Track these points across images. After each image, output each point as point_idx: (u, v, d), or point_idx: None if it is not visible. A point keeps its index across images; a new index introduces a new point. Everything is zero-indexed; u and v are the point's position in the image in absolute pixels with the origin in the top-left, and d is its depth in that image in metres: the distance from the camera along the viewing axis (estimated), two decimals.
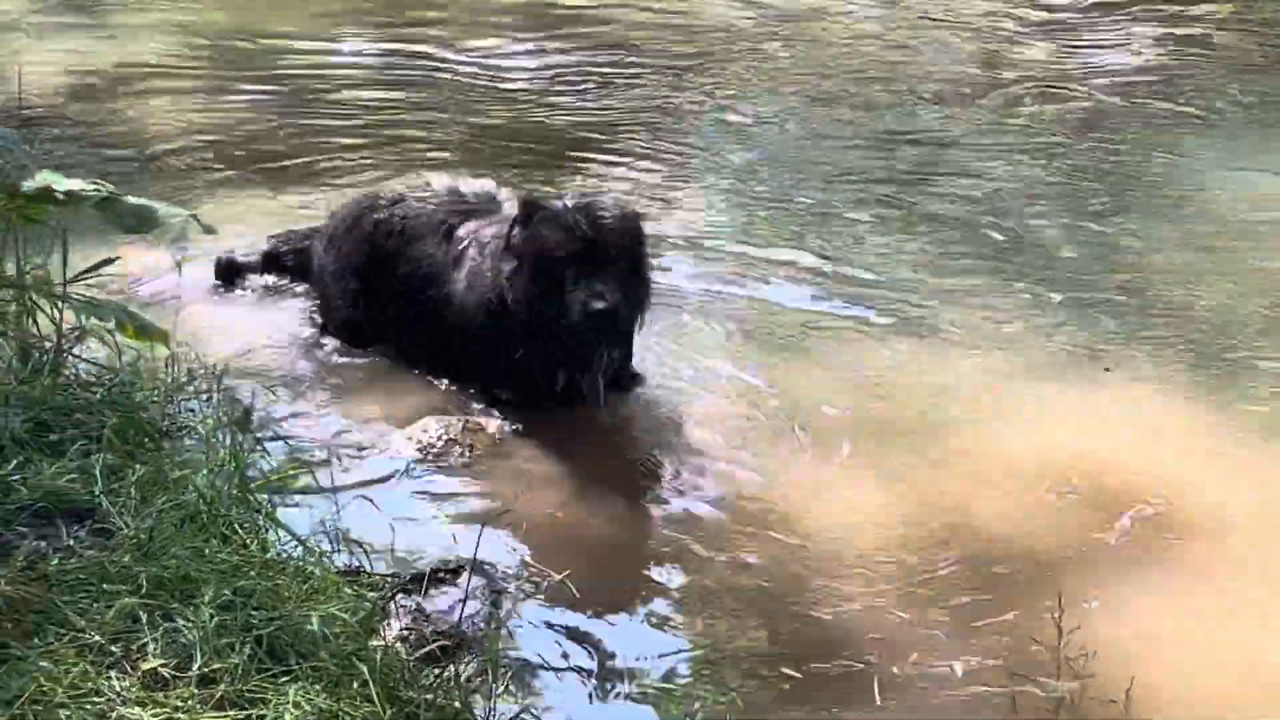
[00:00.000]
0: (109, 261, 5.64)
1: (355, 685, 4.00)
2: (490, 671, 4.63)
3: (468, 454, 6.03)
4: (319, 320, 6.94)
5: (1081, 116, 9.74)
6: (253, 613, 4.06)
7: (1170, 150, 9.13)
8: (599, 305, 6.06)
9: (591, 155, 9.01)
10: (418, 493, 5.82)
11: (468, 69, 10.28)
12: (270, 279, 7.25)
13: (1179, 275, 7.57)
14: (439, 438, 6.05)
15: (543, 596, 5.14)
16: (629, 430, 6.29)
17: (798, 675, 4.92)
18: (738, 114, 9.70)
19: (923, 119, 9.65)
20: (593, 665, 4.94)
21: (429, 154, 8.82)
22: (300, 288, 7.16)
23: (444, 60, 10.40)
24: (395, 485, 5.82)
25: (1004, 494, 5.83)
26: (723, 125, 9.51)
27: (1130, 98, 10.03)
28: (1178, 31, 11.37)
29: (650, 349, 6.72)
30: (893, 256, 7.77)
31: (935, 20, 11.52)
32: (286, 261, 7.28)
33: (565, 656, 4.93)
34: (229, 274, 7.26)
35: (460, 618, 4.67)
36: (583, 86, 10.11)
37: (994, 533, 5.62)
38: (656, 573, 5.45)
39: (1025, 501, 5.79)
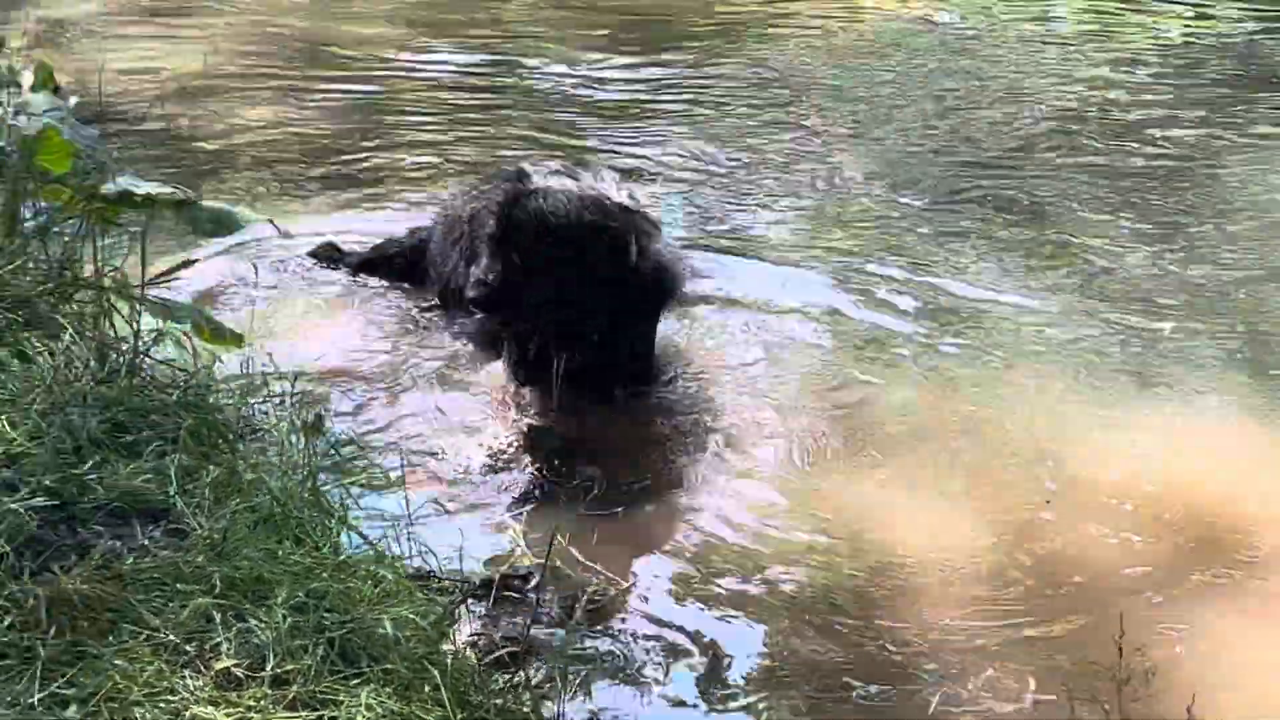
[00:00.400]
0: (187, 264, 5.70)
1: (426, 689, 4.00)
2: (559, 678, 4.64)
3: (538, 460, 6.04)
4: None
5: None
6: (325, 615, 4.07)
7: None
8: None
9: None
10: (487, 498, 5.84)
11: (552, 79, 10.23)
12: (357, 278, 7.30)
13: None
14: (509, 444, 6.06)
15: (611, 604, 5.14)
16: (701, 439, 6.27)
17: (861, 688, 4.91)
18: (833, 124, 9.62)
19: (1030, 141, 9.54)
20: (660, 673, 4.94)
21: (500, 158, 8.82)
22: (379, 287, 7.20)
23: (530, 69, 10.35)
24: (465, 490, 5.84)
25: (1074, 513, 5.79)
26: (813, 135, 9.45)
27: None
28: None
29: (729, 355, 6.73)
30: (976, 273, 7.69)
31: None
32: (397, 262, 7.36)
33: (633, 664, 4.93)
34: (329, 257, 7.33)
35: (529, 624, 4.67)
36: (675, 100, 10.06)
37: (1062, 552, 5.59)
38: (723, 583, 5.44)
39: (1094, 521, 5.75)
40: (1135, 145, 9.41)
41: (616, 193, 6.33)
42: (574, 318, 6.20)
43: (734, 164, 8.95)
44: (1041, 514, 5.80)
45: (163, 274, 5.61)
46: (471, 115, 9.49)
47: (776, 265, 7.73)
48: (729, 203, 8.46)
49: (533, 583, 5.31)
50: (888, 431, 6.31)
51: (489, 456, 6.01)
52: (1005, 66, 10.74)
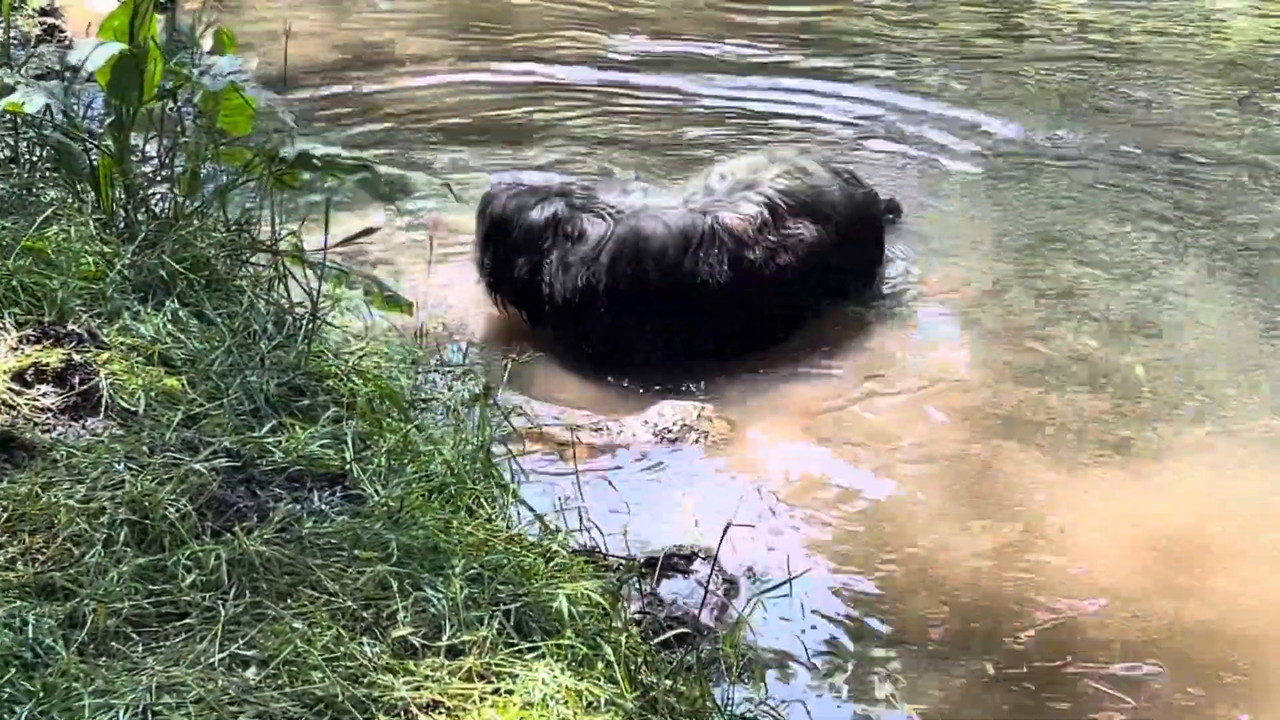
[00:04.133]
0: (369, 232, 5.72)
1: (599, 666, 3.98)
2: (726, 661, 4.60)
3: (703, 440, 6.01)
4: None
5: None
6: (500, 587, 4.06)
7: None
8: None
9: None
10: (653, 477, 5.82)
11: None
12: None
13: None
14: (675, 423, 6.03)
15: (778, 589, 5.07)
16: (873, 426, 6.21)
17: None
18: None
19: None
20: (826, 660, 4.89)
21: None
22: None
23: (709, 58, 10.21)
24: (631, 467, 5.82)
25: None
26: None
27: None
28: None
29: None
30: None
31: None
32: None
33: (800, 650, 4.89)
34: None
35: (700, 606, 4.63)
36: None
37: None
38: (888, 569, 5.39)
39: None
40: None
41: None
42: None
43: None
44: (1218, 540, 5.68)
45: (345, 240, 5.64)
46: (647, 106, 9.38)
47: None
48: None
49: (696, 563, 5.28)
50: (1065, 425, 6.25)
51: (655, 434, 5.97)
52: None
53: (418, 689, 3.66)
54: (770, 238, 6.65)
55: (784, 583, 4.84)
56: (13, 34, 8.21)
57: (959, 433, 6.16)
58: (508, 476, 4.98)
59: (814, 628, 5.03)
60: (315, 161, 5.60)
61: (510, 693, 3.73)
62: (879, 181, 7.74)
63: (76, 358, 4.64)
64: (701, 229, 6.55)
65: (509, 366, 5.41)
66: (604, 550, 4.92)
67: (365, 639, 3.79)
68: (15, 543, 3.90)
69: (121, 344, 4.80)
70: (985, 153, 8.47)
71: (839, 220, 6.92)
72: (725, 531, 4.61)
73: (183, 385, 4.70)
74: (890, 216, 7.56)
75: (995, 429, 6.18)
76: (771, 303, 6.68)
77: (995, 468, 5.92)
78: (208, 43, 5.85)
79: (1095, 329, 6.88)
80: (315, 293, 5.20)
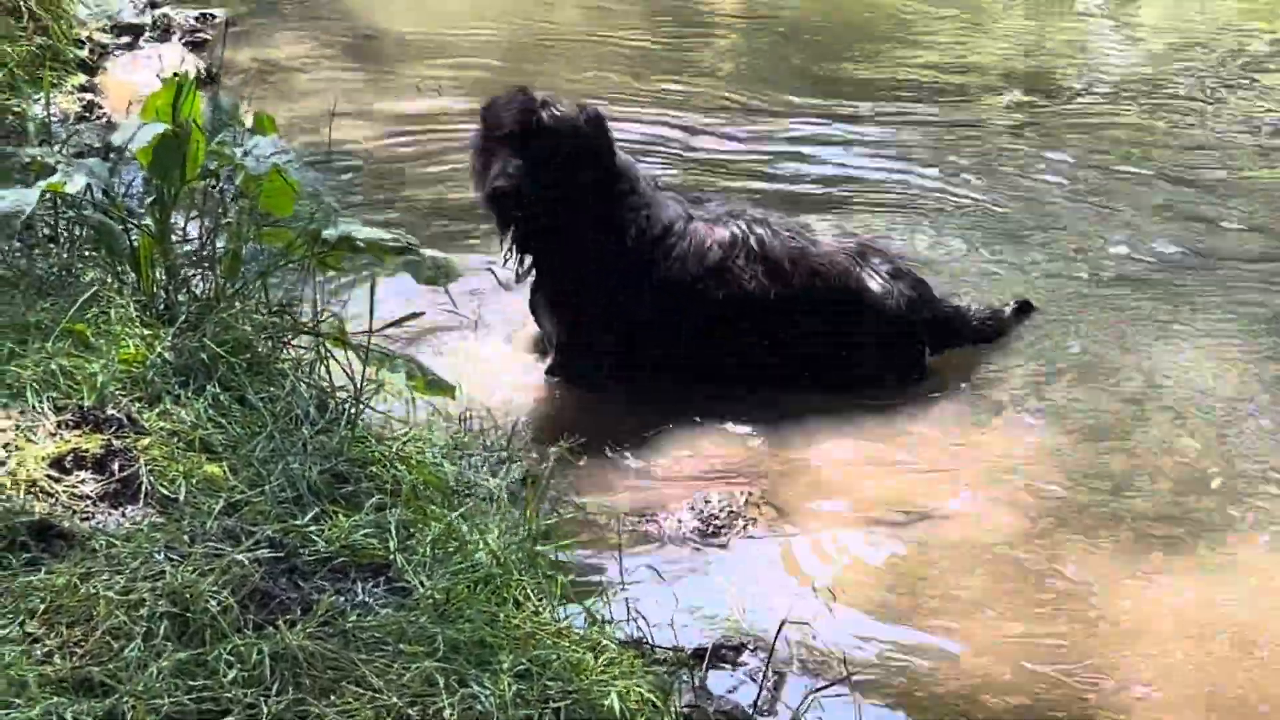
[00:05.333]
0: (413, 316, 5.64)
1: None
2: None
3: (750, 528, 5.90)
4: None
5: None
6: (549, 683, 3.95)
7: None
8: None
9: None
10: (700, 565, 5.70)
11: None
12: None
13: None
14: (722, 509, 5.92)
15: (830, 682, 4.95)
16: (930, 514, 6.08)
17: None
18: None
19: None
20: None
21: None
22: None
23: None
24: (678, 555, 5.71)
25: None
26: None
27: None
28: None
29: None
30: None
31: None
32: None
33: None
34: None
35: (756, 702, 4.51)
36: None
37: None
38: (946, 666, 5.24)
39: None
40: None
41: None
42: None
43: None
44: None
45: (389, 323, 5.56)
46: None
47: None
48: None
49: (744, 654, 5.17)
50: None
51: (701, 521, 5.86)
52: None
53: None
54: None
55: (840, 681, 4.73)
56: (52, 111, 8.19)
57: (1021, 523, 6.03)
58: (554, 566, 4.89)
59: None
60: (358, 243, 5.53)
61: None
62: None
63: (116, 443, 4.56)
64: None
65: (554, 453, 5.30)
66: (651, 642, 4.81)
67: None
68: (53, 635, 3.81)
69: (162, 429, 4.72)
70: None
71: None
72: (780, 628, 4.50)
73: (224, 472, 4.62)
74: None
75: (1060, 521, 6.04)
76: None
77: (1059, 561, 5.78)
78: (248, 119, 5.80)
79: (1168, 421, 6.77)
80: (358, 377, 5.11)
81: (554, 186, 6.59)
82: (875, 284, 6.95)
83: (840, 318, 6.92)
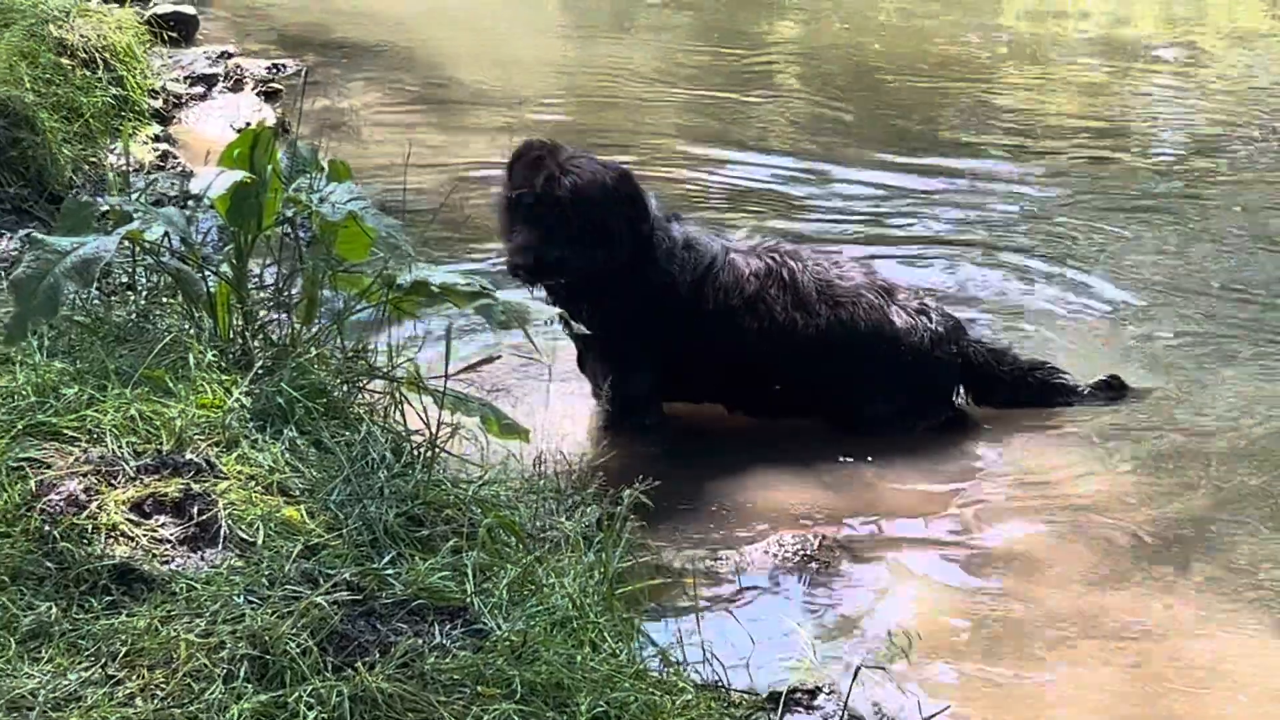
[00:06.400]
0: (488, 360, 5.67)
1: None
2: None
3: (824, 571, 5.88)
4: None
5: None
6: None
7: None
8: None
9: None
10: (774, 607, 5.69)
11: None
12: None
13: None
14: (795, 552, 5.91)
15: None
16: (1006, 554, 6.05)
17: None
18: None
19: None
20: None
21: None
22: None
23: None
24: (752, 598, 5.70)
25: None
26: None
27: None
28: None
29: None
30: None
31: None
32: None
33: None
34: None
35: None
36: None
37: None
38: (1025, 712, 5.20)
39: None
40: None
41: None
42: None
43: None
44: None
45: (464, 368, 5.59)
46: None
47: None
48: None
49: (819, 699, 5.15)
50: None
51: (775, 563, 5.85)
52: None
53: None
54: None
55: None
56: (128, 161, 8.28)
57: (1102, 563, 5.98)
58: (630, 609, 4.89)
59: None
60: (433, 288, 5.56)
61: None
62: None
63: (195, 487, 4.59)
64: None
65: (629, 496, 5.32)
66: (727, 684, 4.79)
67: None
68: (135, 678, 3.84)
69: (239, 473, 4.75)
70: None
71: None
72: (855, 674, 4.48)
73: (301, 515, 4.64)
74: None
75: (1143, 559, 6.00)
76: None
77: (1143, 604, 5.73)
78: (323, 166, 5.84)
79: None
80: (434, 421, 5.13)
81: (581, 244, 6.59)
82: (900, 319, 6.93)
83: (864, 350, 6.91)
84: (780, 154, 10.32)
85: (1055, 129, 11.15)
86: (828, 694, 5.12)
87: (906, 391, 6.96)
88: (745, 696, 4.80)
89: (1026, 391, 7.13)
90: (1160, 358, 7.59)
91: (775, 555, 5.91)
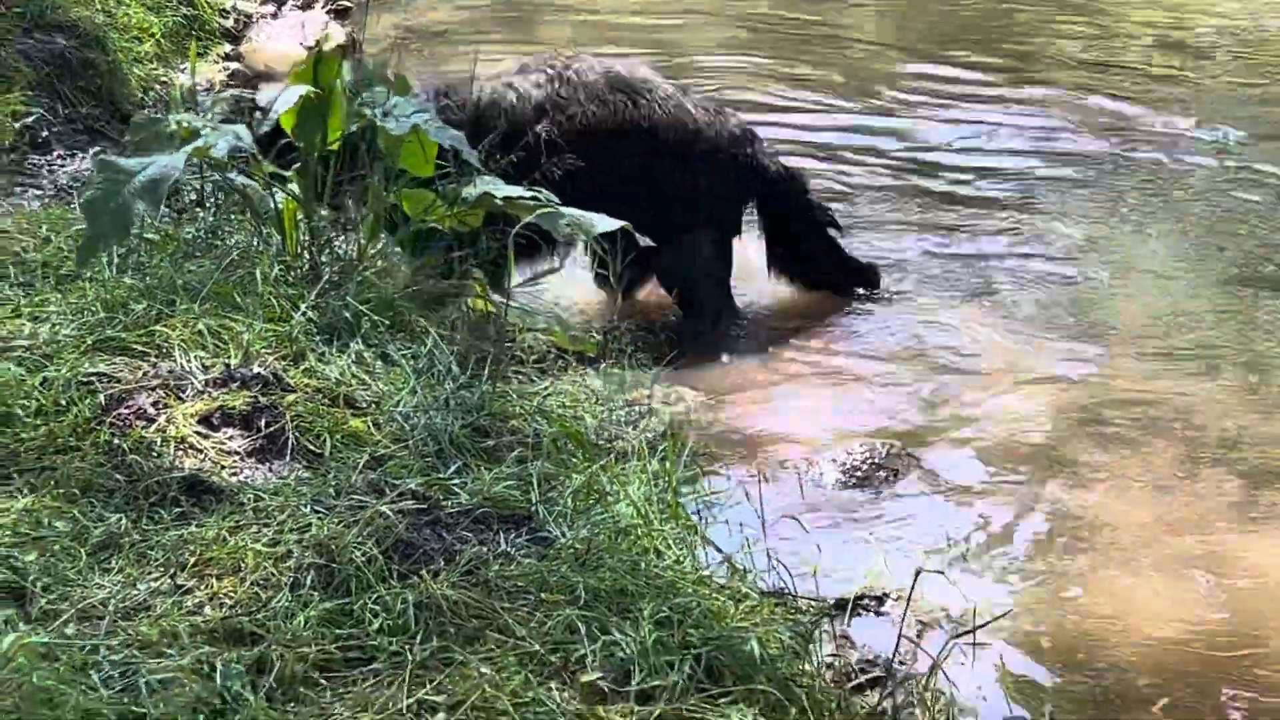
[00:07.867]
0: (552, 271, 5.68)
1: (793, 712, 3.88)
2: (920, 709, 4.47)
3: (893, 479, 5.88)
4: None
5: None
6: (690, 630, 3.97)
7: None
8: None
9: None
10: (842, 516, 5.69)
11: None
12: None
13: None
14: (864, 461, 5.91)
15: (971, 633, 4.91)
16: (1071, 464, 6.03)
17: None
18: None
19: None
20: (1024, 713, 4.72)
21: None
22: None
23: None
24: (820, 506, 5.70)
25: None
26: None
27: None
28: None
29: None
30: None
31: None
32: None
33: (998, 698, 4.72)
34: None
35: (894, 652, 4.50)
36: None
37: None
38: (1087, 620, 5.18)
39: None
40: None
41: None
42: None
43: None
44: None
45: (529, 279, 5.61)
46: None
47: None
48: None
49: (887, 605, 5.16)
50: None
51: (844, 473, 5.86)
52: None
53: None
54: None
55: (979, 627, 4.70)
56: (198, 79, 8.32)
57: (1173, 469, 5.97)
58: (694, 517, 4.91)
59: (1011, 676, 4.85)
60: (498, 201, 5.57)
61: None
62: None
63: (262, 400, 4.65)
64: None
65: (694, 406, 5.33)
66: (793, 591, 4.81)
67: (554, 684, 3.73)
68: (203, 587, 3.90)
69: (307, 386, 4.80)
70: None
71: None
72: (916, 577, 4.49)
73: (368, 427, 4.69)
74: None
75: (1214, 476, 5.96)
76: None
77: (1208, 519, 5.70)
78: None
79: None
80: (499, 333, 5.16)
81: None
82: (699, 114, 6.94)
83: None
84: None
85: None
86: (895, 600, 5.14)
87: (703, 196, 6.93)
88: (811, 603, 4.81)
89: (810, 236, 7.23)
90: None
91: (844, 465, 5.91)
